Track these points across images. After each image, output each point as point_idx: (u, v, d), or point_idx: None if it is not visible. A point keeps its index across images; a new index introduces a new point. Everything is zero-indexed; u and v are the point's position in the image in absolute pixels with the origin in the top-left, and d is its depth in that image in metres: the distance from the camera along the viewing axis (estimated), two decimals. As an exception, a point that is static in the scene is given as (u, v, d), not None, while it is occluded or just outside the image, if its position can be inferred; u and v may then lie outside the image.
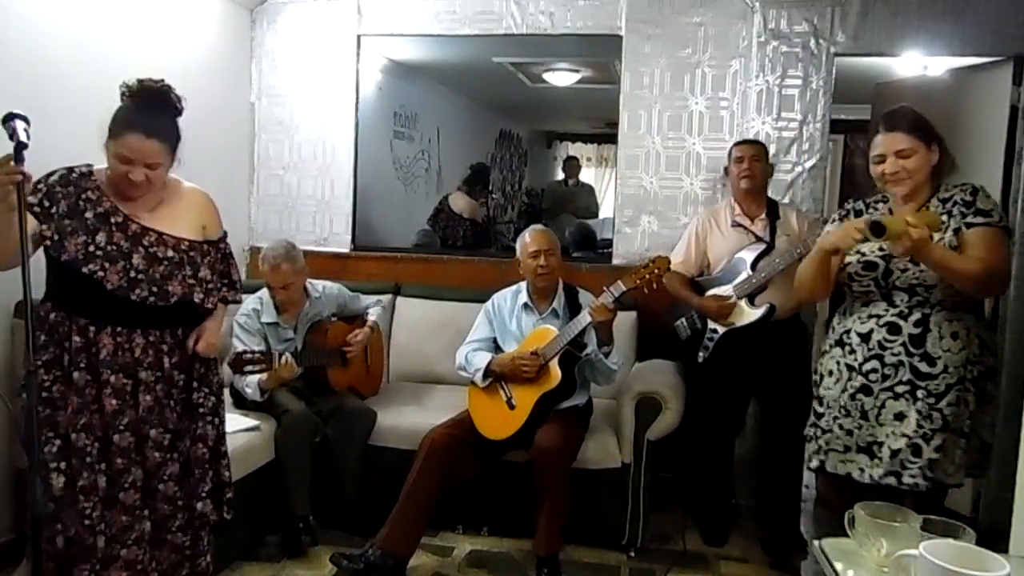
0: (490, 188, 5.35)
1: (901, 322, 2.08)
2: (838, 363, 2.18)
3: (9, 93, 2.46)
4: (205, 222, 2.14)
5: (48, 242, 1.92)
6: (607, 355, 2.87)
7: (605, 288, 2.76)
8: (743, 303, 2.95)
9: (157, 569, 2.05)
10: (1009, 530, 1.61)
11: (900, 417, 2.07)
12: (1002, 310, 3.23)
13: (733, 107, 3.54)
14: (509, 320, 3.06)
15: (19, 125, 1.78)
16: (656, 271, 2.75)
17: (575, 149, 7.22)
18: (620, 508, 2.95)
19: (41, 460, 1.79)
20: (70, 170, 1.99)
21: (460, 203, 5.06)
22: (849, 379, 2.15)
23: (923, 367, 2.05)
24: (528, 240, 2.99)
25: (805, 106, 3.47)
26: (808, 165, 3.49)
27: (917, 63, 4.01)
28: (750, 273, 2.94)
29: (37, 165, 1.91)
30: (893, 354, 2.08)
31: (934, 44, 3.33)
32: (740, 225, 3.09)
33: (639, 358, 3.40)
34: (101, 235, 1.95)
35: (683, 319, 3.12)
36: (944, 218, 2.06)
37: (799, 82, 3.47)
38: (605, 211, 5.98)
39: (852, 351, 2.15)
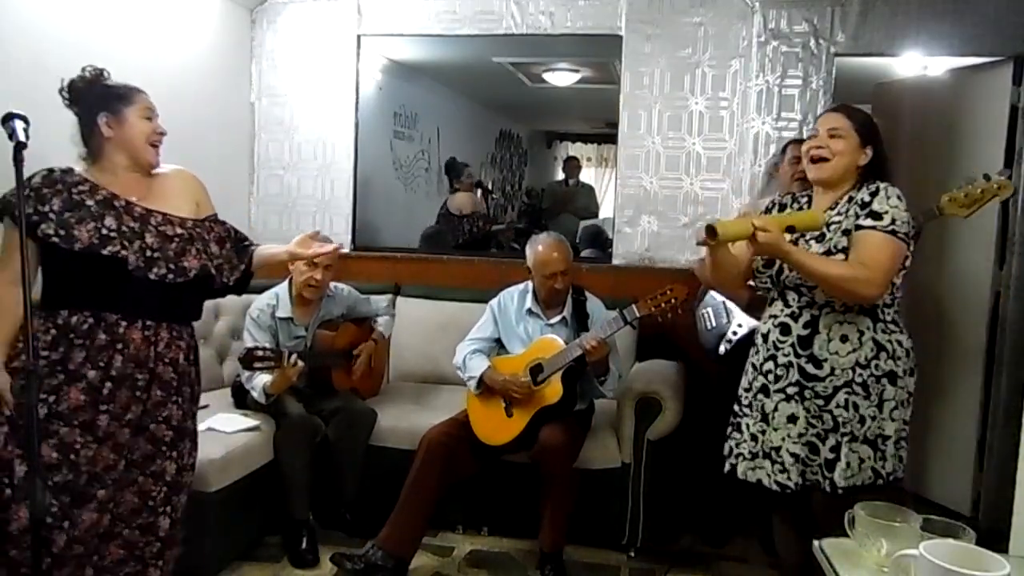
0: (470, 174, 5.31)
1: (791, 323, 2.07)
2: (751, 362, 2.19)
3: (9, 93, 2.46)
4: (197, 199, 2.14)
5: (55, 238, 1.89)
6: (603, 383, 2.86)
7: (617, 311, 2.72)
8: None
9: (97, 564, 1.93)
10: (1009, 530, 1.61)
11: (792, 419, 2.07)
12: (1001, 310, 3.23)
13: (733, 107, 3.54)
14: (516, 322, 3.01)
15: (18, 125, 1.78)
16: (673, 300, 2.69)
17: (575, 149, 7.21)
18: (620, 508, 2.95)
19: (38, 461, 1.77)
20: (50, 170, 1.98)
21: (457, 202, 5.06)
22: (753, 379, 2.16)
23: (810, 368, 2.03)
24: (543, 259, 2.88)
25: (805, 106, 3.47)
26: (808, 165, 3.48)
27: (917, 63, 4.00)
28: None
29: (37, 165, 1.91)
30: (784, 355, 2.08)
31: (934, 44, 3.33)
32: None
33: (639, 358, 3.40)
34: (110, 219, 1.94)
35: (709, 308, 3.01)
36: (839, 218, 2.01)
37: (799, 82, 3.47)
38: (605, 211, 5.97)
39: (757, 350, 2.17)
